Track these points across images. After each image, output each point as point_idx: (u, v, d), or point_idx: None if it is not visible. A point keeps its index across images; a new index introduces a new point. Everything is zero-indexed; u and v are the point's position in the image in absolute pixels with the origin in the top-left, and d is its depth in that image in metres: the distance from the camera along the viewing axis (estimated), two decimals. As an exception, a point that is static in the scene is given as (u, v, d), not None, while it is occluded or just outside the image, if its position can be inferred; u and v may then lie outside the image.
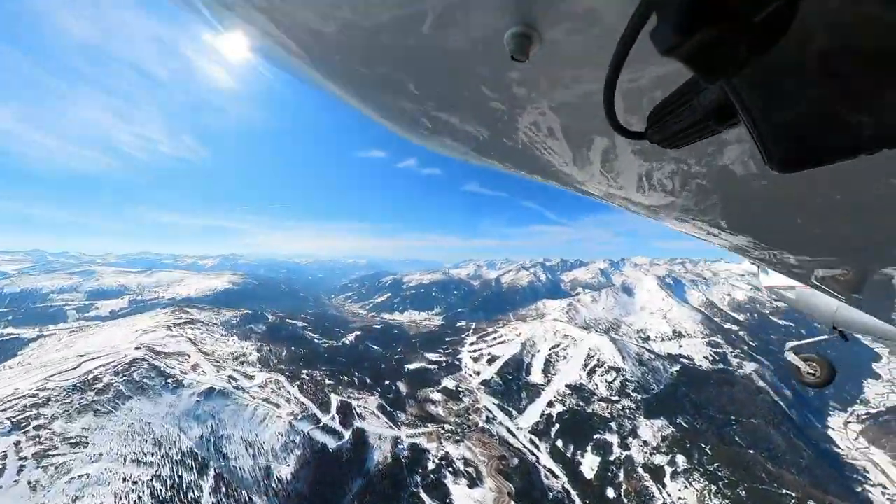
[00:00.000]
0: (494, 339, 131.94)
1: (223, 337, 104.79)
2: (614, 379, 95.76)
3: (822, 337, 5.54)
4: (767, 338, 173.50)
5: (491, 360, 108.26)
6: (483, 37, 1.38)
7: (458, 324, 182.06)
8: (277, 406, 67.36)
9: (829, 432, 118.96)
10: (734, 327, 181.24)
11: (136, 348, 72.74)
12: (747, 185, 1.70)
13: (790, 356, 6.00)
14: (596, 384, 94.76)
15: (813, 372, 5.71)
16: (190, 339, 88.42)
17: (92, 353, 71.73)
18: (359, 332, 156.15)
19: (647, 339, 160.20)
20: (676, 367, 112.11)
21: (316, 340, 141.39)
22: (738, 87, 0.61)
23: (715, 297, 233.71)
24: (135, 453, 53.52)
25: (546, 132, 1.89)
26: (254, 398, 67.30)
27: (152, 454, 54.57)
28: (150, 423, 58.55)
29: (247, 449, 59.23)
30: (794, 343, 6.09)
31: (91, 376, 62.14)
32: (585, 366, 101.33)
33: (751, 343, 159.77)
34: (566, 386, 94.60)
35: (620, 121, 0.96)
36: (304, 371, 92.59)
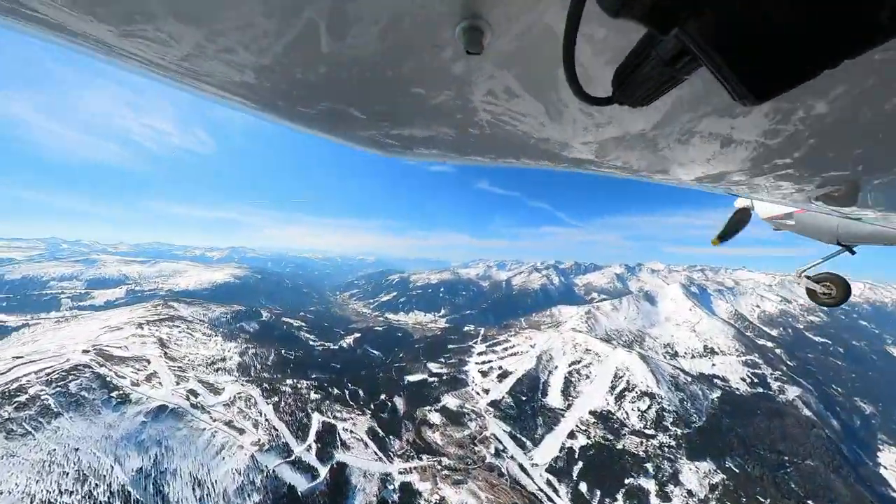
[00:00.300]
0: (505, 349, 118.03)
1: (204, 337, 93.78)
2: (648, 407, 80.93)
3: (829, 254, 5.47)
4: (805, 356, 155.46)
5: (502, 376, 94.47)
6: (434, 38, 1.35)
7: (466, 328, 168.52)
8: (241, 432, 55.18)
9: (882, 471, 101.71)
10: (769, 344, 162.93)
11: (85, 351, 61.50)
12: (726, 121, 1.70)
13: (803, 280, 5.90)
14: (626, 412, 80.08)
15: (829, 291, 5.60)
16: (159, 340, 77.23)
17: (34, 354, 60.71)
18: (358, 334, 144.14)
19: (675, 354, 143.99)
20: (717, 394, 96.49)
21: (311, 342, 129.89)
22: (692, 31, 0.62)
23: (744, 309, 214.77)
24: (48, 491, 41.79)
25: (505, 96, 1.77)
26: (213, 421, 55.30)
27: (71, 493, 42.79)
28: (77, 449, 46.85)
29: (194, 490, 47.10)
30: (803, 267, 5.93)
31: (15, 385, 50.87)
32: (612, 388, 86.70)
33: (788, 363, 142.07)
34: (590, 413, 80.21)
35: (586, 90, 0.95)
36: (289, 381, 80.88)
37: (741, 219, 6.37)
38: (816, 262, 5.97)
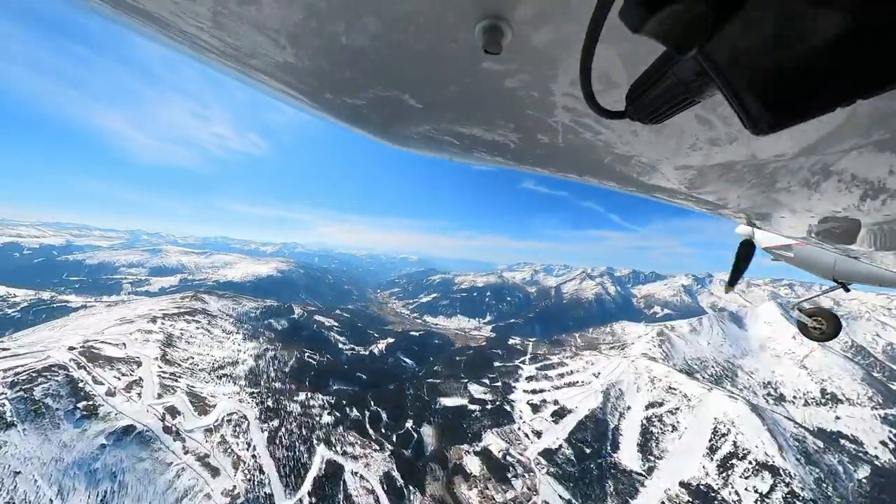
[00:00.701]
0: (561, 375, 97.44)
1: (223, 335, 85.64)
2: (771, 488, 56.82)
3: (824, 290, 5.58)
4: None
5: (558, 415, 74.73)
6: (454, 35, 1.36)
7: (511, 340, 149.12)
8: (214, 473, 42.80)
9: None
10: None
11: (71, 348, 53.28)
12: (735, 149, 1.71)
13: (796, 314, 6.03)
14: (736, 492, 56.81)
15: (820, 326, 5.76)
16: (166, 338, 68.89)
17: (23, 347, 53.60)
18: (392, 339, 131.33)
19: (780, 398, 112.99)
20: (865, 472, 68.41)
21: (340, 345, 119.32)
22: (710, 55, 0.62)
23: (861, 339, 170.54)
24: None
25: (529, 100, 1.77)
26: (185, 454, 43.52)
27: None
28: (18, 472, 36.90)
29: (136, 556, 34.96)
30: (799, 300, 6.00)
31: (-27, 388, 42.58)
32: (712, 451, 63.41)
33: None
34: (682, 486, 58.20)
35: (600, 102, 0.96)
36: (303, 394, 69.32)
37: (747, 253, 6.23)
38: (813, 297, 6.48)
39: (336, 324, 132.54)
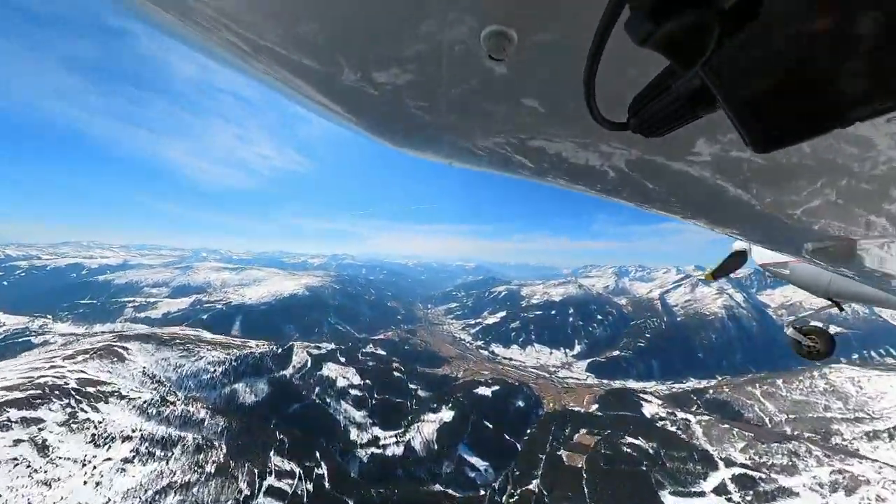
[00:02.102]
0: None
1: (106, 440, 37.81)
2: None
3: (819, 309, 5.64)
4: None
5: None
6: (458, 39, 1.34)
7: (645, 401, 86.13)
8: None
9: None
10: None
11: None
12: (735, 166, 1.71)
13: (790, 332, 6.02)
14: None
15: (814, 344, 5.74)
16: None
17: None
18: (450, 407, 74.95)
19: None
20: None
21: (355, 431, 66.28)
22: (713, 71, 0.62)
23: None
24: None
25: (526, 108, 1.78)
26: None
27: None
28: None
29: None
30: (793, 318, 6.04)
31: None
32: None
33: None
34: None
35: (602, 113, 0.95)
36: None
37: (737, 262, 6.31)
38: (806, 315, 6.17)
39: (356, 378, 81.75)
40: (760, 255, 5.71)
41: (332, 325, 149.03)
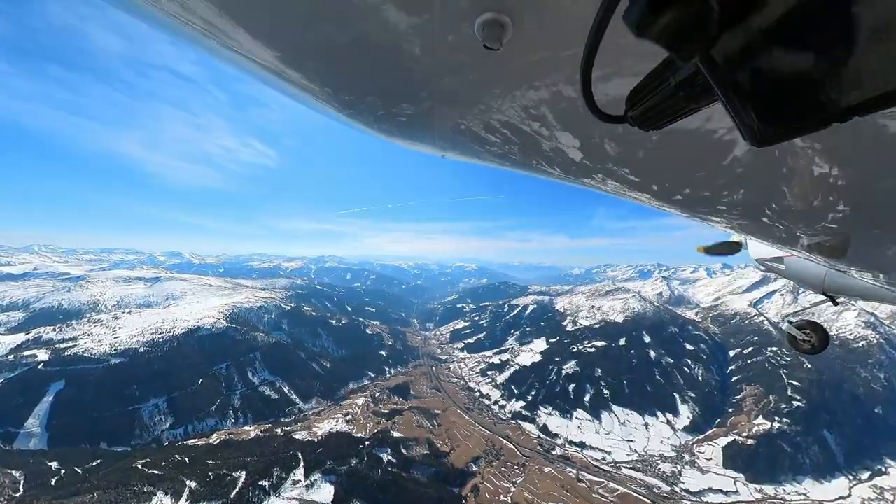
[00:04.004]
0: None
1: None
2: None
3: (814, 303, 5.61)
4: None
5: None
6: (452, 27, 1.30)
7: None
8: None
9: None
10: None
11: None
12: (733, 159, 1.70)
13: (785, 326, 6.01)
14: None
15: (808, 339, 5.75)
16: None
17: None
18: None
19: None
20: None
21: None
22: (711, 63, 0.60)
23: None
24: None
25: (522, 100, 1.73)
26: None
27: None
28: None
29: None
30: (789, 314, 6.03)
31: None
32: None
33: None
34: None
35: (600, 105, 0.93)
36: None
37: (730, 249, 6.25)
38: (801, 310, 6.25)
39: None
40: (756, 249, 5.73)
41: (246, 394, 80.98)
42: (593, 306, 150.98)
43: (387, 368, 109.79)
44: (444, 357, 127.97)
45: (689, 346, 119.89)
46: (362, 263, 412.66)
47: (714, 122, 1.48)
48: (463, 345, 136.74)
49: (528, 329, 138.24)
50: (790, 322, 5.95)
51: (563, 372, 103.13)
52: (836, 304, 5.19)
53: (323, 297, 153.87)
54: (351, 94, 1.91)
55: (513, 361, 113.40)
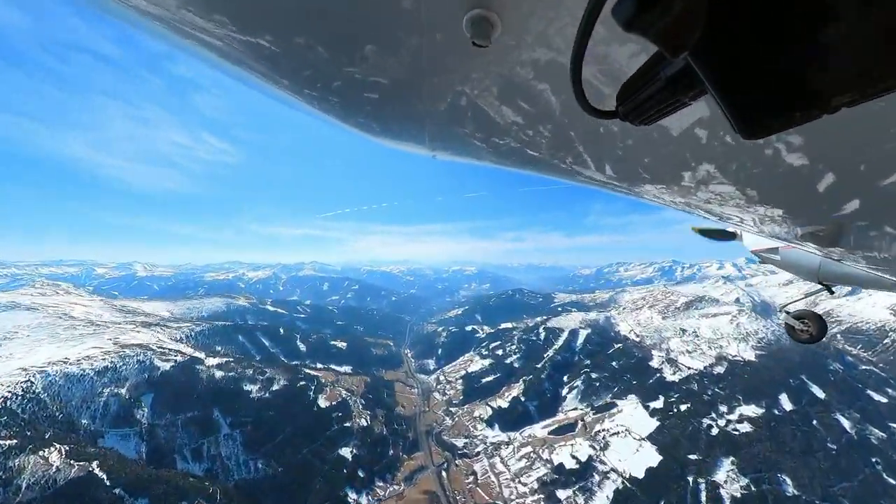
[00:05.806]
0: None
1: None
2: None
3: (809, 292, 5.61)
4: None
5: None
6: (440, 24, 1.26)
7: None
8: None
9: None
10: None
11: None
12: (724, 152, 1.69)
13: (783, 316, 5.98)
14: None
15: (806, 328, 5.72)
16: None
17: None
18: None
19: None
20: None
21: None
22: (701, 57, 0.59)
23: None
24: None
25: (510, 97, 1.71)
26: None
27: None
28: None
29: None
30: (786, 304, 6.03)
31: None
32: None
33: None
34: None
35: (590, 100, 0.92)
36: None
37: (724, 236, 6.24)
38: (798, 300, 6.17)
39: None
40: (751, 240, 5.69)
41: None
42: (683, 329, 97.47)
43: (349, 494, 53.40)
44: (460, 439, 71.88)
45: (877, 398, 67.70)
46: (346, 270, 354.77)
47: (705, 116, 1.46)
48: (490, 409, 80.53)
49: (594, 377, 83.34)
50: (787, 312, 5.89)
51: (712, 483, 48.54)
52: (831, 292, 5.16)
53: (265, 332, 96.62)
54: (336, 94, 1.83)
55: (601, 457, 58.19)
